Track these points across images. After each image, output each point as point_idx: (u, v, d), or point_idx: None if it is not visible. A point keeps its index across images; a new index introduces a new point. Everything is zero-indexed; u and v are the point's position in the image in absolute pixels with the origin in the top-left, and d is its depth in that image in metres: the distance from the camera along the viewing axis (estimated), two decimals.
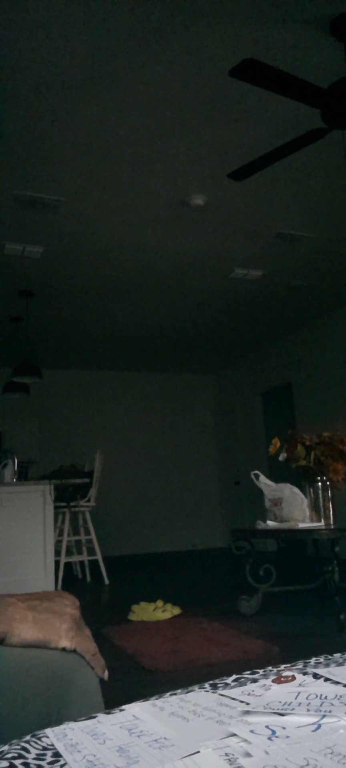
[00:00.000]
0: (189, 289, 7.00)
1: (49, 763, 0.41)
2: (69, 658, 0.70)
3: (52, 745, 0.43)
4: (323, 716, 0.43)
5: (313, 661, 0.59)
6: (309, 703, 0.46)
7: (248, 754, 0.38)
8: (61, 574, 6.02)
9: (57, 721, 0.49)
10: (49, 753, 0.42)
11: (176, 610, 4.35)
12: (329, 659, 0.59)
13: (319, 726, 0.42)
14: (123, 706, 0.50)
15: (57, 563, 6.00)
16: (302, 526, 3.90)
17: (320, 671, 0.54)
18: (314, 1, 3.07)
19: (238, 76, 2.93)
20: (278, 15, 3.15)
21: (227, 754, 0.39)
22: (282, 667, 0.58)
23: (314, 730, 0.41)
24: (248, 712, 0.46)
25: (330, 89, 3.02)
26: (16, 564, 5.56)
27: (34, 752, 0.42)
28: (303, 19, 3.18)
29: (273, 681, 0.53)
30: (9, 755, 0.41)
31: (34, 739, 0.44)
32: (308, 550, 8.09)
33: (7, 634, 0.69)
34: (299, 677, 0.53)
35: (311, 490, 3.99)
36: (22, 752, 0.42)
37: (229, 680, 0.56)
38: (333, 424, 4.21)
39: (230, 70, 2.93)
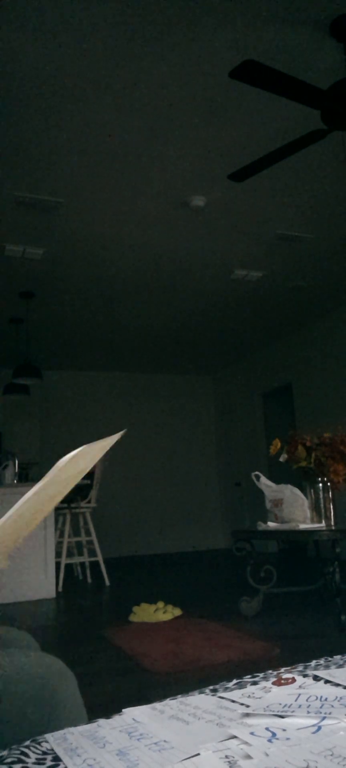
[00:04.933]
0: (189, 290, 7.00)
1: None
2: (51, 669, 0.69)
3: (52, 749, 0.43)
4: (323, 718, 0.43)
5: (313, 663, 0.59)
6: (309, 705, 0.46)
7: (248, 756, 0.38)
8: (62, 575, 6.02)
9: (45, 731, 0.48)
10: (49, 757, 0.42)
11: (177, 612, 4.35)
12: (329, 661, 0.59)
13: (319, 728, 0.42)
14: (123, 710, 0.50)
15: (58, 564, 6.00)
16: (302, 527, 3.90)
17: (320, 673, 0.54)
18: (314, 2, 3.07)
19: (238, 77, 2.93)
20: (278, 16, 3.15)
21: (227, 756, 0.39)
22: (282, 669, 0.58)
23: (314, 732, 0.41)
24: (248, 715, 0.46)
25: (330, 90, 3.02)
26: (17, 566, 5.56)
27: (33, 757, 0.42)
28: (303, 20, 3.18)
29: (273, 683, 0.53)
30: (9, 760, 0.41)
31: (33, 744, 0.44)
32: (309, 551, 8.08)
33: None
34: (299, 679, 0.53)
35: (312, 491, 3.99)
36: (22, 757, 0.42)
37: (229, 684, 0.56)
38: (334, 425, 4.21)
39: (230, 72, 2.93)
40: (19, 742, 0.45)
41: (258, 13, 3.11)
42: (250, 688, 0.53)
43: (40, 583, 5.65)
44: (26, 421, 9.52)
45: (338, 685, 0.51)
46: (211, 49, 3.34)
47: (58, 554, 6.10)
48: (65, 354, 9.32)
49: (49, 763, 0.41)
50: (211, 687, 0.55)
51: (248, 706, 0.48)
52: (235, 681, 0.56)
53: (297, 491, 4.11)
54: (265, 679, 0.55)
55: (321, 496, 3.94)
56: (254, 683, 0.55)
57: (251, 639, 3.47)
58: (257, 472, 4.44)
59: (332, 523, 3.94)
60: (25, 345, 7.49)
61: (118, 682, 2.76)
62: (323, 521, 3.92)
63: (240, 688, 0.54)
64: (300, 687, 0.51)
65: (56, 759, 0.42)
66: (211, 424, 11.22)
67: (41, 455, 9.47)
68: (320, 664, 0.59)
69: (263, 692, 0.51)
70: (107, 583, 6.31)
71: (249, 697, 0.51)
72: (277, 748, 0.39)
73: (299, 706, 0.46)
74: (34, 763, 0.41)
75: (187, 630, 3.81)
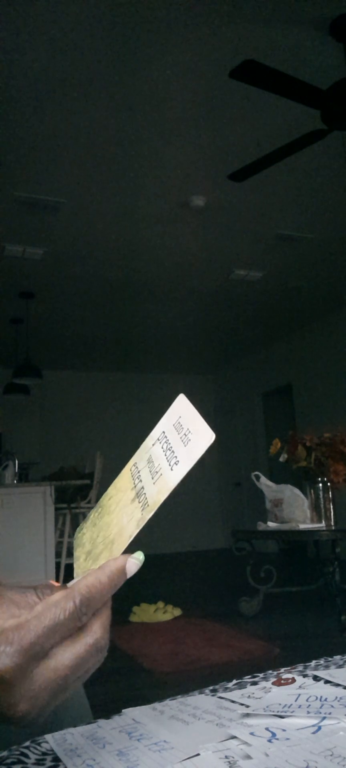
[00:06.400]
0: (189, 290, 7.00)
1: None
2: None
3: (52, 750, 0.43)
4: (323, 718, 0.43)
5: (313, 663, 0.59)
6: (309, 705, 0.46)
7: (248, 757, 0.38)
8: (62, 575, 6.02)
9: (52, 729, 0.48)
10: (49, 758, 0.42)
11: (177, 612, 4.35)
12: (329, 661, 0.59)
13: (319, 728, 0.42)
14: (123, 710, 0.50)
15: (58, 564, 6.00)
16: (302, 527, 3.90)
17: (320, 673, 0.54)
18: (313, 2, 3.07)
19: (238, 77, 2.94)
20: (278, 16, 3.15)
21: (227, 757, 0.39)
22: (282, 669, 0.58)
23: (314, 732, 0.41)
24: (247, 715, 0.46)
25: (330, 90, 3.02)
26: (17, 565, 5.56)
27: (33, 757, 0.42)
28: (303, 20, 3.18)
29: (273, 683, 0.53)
30: (9, 761, 0.41)
31: (33, 745, 0.44)
32: (309, 551, 8.08)
33: None
34: (299, 679, 0.53)
35: (312, 491, 3.99)
36: (22, 757, 0.42)
37: (229, 684, 0.56)
38: (334, 425, 4.21)
39: (230, 72, 2.93)
40: (19, 742, 0.45)
41: (258, 13, 3.11)
42: (250, 689, 0.53)
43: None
44: (26, 421, 9.51)
45: (338, 685, 0.51)
46: (211, 49, 3.34)
47: (58, 554, 6.10)
48: (65, 354, 9.32)
49: (48, 763, 0.41)
50: (211, 687, 0.55)
51: (247, 707, 0.48)
52: (235, 681, 0.56)
53: (297, 491, 4.11)
54: (265, 679, 0.55)
55: (321, 496, 3.94)
56: (254, 683, 0.55)
57: (251, 639, 3.47)
58: (257, 472, 4.44)
59: (332, 523, 3.94)
60: (25, 345, 7.49)
61: (118, 682, 2.76)
62: (323, 521, 3.92)
63: (240, 689, 0.54)
64: (300, 687, 0.51)
65: (56, 759, 0.42)
66: (211, 424, 10.97)
67: (41, 455, 9.47)
68: (320, 664, 0.59)
69: (262, 692, 0.51)
70: None
71: (249, 697, 0.51)
72: (277, 748, 0.39)
73: (299, 707, 0.46)
74: (33, 764, 0.41)
75: (187, 630, 3.81)
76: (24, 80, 3.49)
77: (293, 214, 5.34)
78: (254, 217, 5.35)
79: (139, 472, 0.46)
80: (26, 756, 0.42)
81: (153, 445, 0.46)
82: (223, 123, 3.99)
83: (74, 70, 3.45)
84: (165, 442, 0.44)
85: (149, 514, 0.41)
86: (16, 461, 6.35)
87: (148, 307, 7.49)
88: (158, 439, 0.46)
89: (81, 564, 0.44)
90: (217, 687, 0.55)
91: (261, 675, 0.57)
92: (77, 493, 6.53)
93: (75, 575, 0.44)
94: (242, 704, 0.49)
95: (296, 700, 0.48)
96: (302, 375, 8.81)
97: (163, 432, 0.45)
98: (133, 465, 0.47)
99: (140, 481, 0.45)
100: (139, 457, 0.47)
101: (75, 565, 0.45)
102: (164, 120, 3.93)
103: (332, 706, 0.45)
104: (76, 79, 3.52)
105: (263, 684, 0.54)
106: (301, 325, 8.66)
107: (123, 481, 0.47)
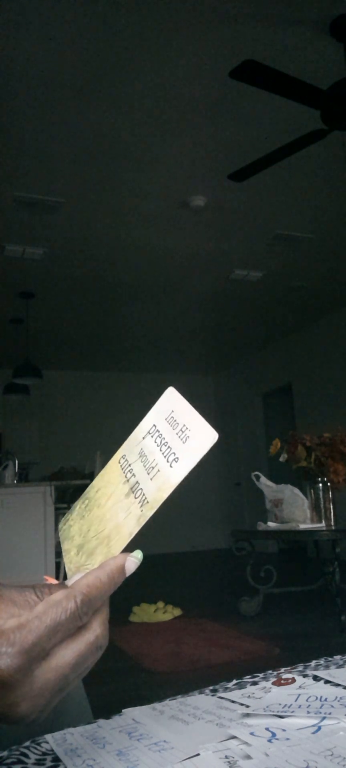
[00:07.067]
0: (189, 290, 7.00)
1: None
2: None
3: (52, 750, 0.43)
4: (323, 718, 0.43)
5: (313, 663, 0.59)
6: (309, 705, 0.46)
7: (248, 757, 0.38)
8: (61, 575, 6.01)
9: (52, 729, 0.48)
10: (49, 758, 0.42)
11: (177, 612, 4.35)
12: (329, 661, 0.59)
13: (319, 728, 0.42)
14: (123, 710, 0.50)
15: (58, 564, 6.00)
16: (302, 527, 3.90)
17: (320, 673, 0.54)
18: (314, 2, 3.07)
19: (238, 77, 2.94)
20: (278, 16, 3.15)
21: (227, 757, 0.39)
22: (282, 669, 0.58)
23: (314, 732, 0.41)
24: (247, 715, 0.46)
25: (330, 90, 3.02)
26: (17, 565, 5.56)
27: (33, 757, 0.42)
28: (303, 19, 3.18)
29: (273, 683, 0.53)
30: (9, 761, 0.41)
31: (33, 745, 0.44)
32: (309, 551, 8.07)
33: None
34: (299, 679, 0.53)
35: (312, 491, 3.98)
36: (22, 758, 0.42)
37: (229, 684, 0.56)
38: (334, 425, 4.21)
39: (230, 72, 2.93)
40: (19, 742, 0.45)
41: (258, 13, 3.11)
42: (250, 689, 0.53)
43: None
44: (26, 421, 9.51)
45: (338, 685, 0.51)
46: (211, 49, 3.34)
47: (58, 554, 6.10)
48: (65, 354, 9.32)
49: (48, 763, 0.41)
50: (211, 687, 0.55)
51: (247, 707, 0.48)
52: (235, 681, 0.56)
53: (297, 491, 4.11)
54: (265, 679, 0.55)
55: (321, 496, 3.94)
56: (254, 683, 0.55)
57: (251, 639, 3.47)
58: (257, 472, 4.44)
59: (332, 523, 3.93)
60: (25, 345, 7.49)
61: (118, 682, 2.76)
62: (323, 521, 3.92)
63: (240, 688, 0.54)
64: (300, 687, 0.51)
65: (56, 759, 0.42)
66: (211, 424, 11.18)
67: (41, 455, 9.46)
68: (320, 664, 0.59)
69: (262, 692, 0.51)
70: None
71: (249, 697, 0.51)
72: (277, 748, 0.39)
73: (299, 707, 0.46)
74: (33, 764, 0.41)
75: (187, 630, 3.81)
76: (24, 81, 3.49)
77: (293, 214, 5.34)
78: (254, 217, 5.35)
79: (130, 465, 0.44)
80: (26, 756, 0.42)
81: (143, 438, 0.44)
82: (223, 123, 3.99)
83: (74, 71, 3.45)
84: (158, 436, 0.43)
85: (150, 512, 0.40)
86: (16, 461, 6.34)
87: (149, 307, 7.49)
88: (149, 432, 0.44)
89: (72, 558, 0.44)
90: (217, 687, 0.55)
91: (261, 675, 0.57)
92: (77, 493, 6.53)
93: (67, 569, 0.44)
94: (242, 704, 0.49)
95: (296, 700, 0.48)
96: (302, 375, 8.81)
97: (155, 425, 0.43)
98: (122, 457, 0.45)
99: (133, 475, 0.43)
100: (128, 450, 0.45)
101: (65, 559, 0.44)
102: (164, 119, 3.93)
103: (332, 706, 0.45)
104: (76, 79, 3.52)
105: (263, 684, 0.54)
106: (301, 325, 8.66)
107: (112, 473, 0.45)
